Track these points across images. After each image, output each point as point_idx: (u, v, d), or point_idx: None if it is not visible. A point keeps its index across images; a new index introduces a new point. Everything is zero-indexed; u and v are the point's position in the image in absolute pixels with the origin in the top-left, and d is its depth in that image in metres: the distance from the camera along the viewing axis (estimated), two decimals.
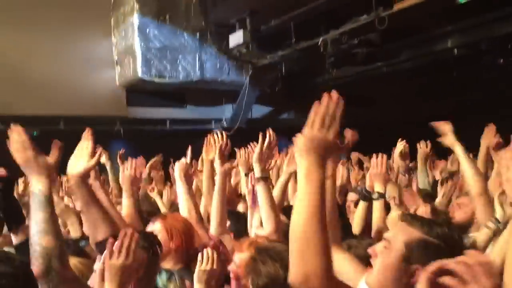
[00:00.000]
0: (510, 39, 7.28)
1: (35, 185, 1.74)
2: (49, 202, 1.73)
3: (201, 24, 8.33)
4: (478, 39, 7.22)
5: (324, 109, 1.36)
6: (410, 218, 1.67)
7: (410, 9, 5.85)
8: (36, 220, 1.70)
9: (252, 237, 2.28)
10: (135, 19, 8.24)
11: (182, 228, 2.48)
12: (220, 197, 2.80)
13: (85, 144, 2.03)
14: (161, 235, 2.35)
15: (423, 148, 4.31)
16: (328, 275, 1.37)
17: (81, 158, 2.02)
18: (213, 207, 2.81)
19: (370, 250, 1.67)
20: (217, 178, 2.87)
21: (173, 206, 4.02)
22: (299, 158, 1.38)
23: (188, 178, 2.94)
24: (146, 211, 3.62)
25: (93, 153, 2.02)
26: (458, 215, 3.03)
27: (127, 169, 3.03)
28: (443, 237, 1.58)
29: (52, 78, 8.20)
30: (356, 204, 3.45)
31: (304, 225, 1.33)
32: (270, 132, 2.77)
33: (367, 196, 3.14)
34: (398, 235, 1.61)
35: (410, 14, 6.09)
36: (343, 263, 1.87)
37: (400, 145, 4.36)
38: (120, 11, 8.65)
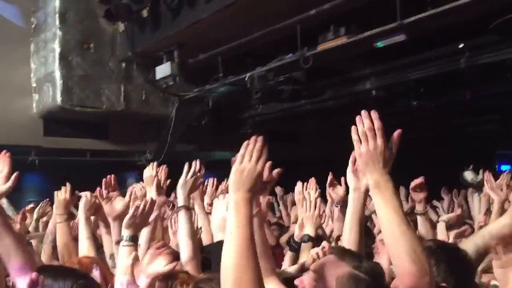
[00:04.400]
0: (422, 83, 7.85)
1: None
2: None
3: (127, 54, 8.18)
4: (393, 82, 7.70)
5: (252, 145, 1.50)
6: (341, 252, 1.68)
7: (333, 50, 6.12)
8: None
9: (183, 276, 2.18)
10: (57, 45, 7.92)
11: None
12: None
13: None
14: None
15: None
16: None
17: None
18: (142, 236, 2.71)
19: (297, 282, 1.67)
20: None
21: None
22: (230, 192, 1.47)
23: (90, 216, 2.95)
24: None
25: (8, 177, 1.93)
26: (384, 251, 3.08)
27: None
28: (371, 272, 1.60)
29: None
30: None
31: (236, 256, 1.39)
32: (197, 163, 2.78)
33: (296, 248, 3.09)
34: (328, 269, 1.61)
35: (333, 54, 6.38)
36: None
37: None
38: (41, 37, 8.29)
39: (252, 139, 1.52)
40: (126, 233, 2.35)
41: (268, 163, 1.54)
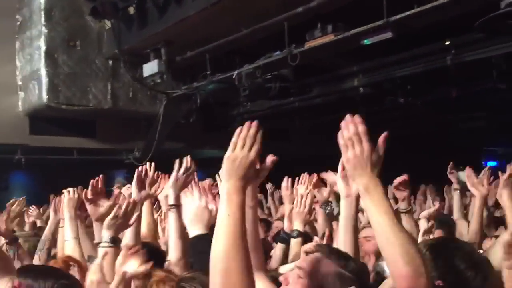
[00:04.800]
0: (409, 80, 7.90)
1: None
2: None
3: (113, 51, 8.11)
4: (381, 80, 7.73)
5: (246, 131, 1.44)
6: (328, 250, 1.68)
7: (320, 48, 6.14)
8: None
9: (159, 274, 2.14)
10: (42, 43, 7.84)
11: None
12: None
13: None
14: None
15: None
16: None
17: None
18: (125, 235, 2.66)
19: (281, 278, 1.66)
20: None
21: None
22: (222, 181, 1.42)
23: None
24: None
25: None
26: (368, 247, 3.09)
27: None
28: (357, 272, 1.60)
29: None
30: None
31: (226, 245, 1.34)
32: (187, 159, 2.66)
33: (286, 239, 3.07)
34: (314, 266, 1.61)
35: (320, 52, 6.39)
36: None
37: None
38: (26, 34, 8.19)
39: (246, 125, 1.46)
40: (106, 234, 2.28)
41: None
